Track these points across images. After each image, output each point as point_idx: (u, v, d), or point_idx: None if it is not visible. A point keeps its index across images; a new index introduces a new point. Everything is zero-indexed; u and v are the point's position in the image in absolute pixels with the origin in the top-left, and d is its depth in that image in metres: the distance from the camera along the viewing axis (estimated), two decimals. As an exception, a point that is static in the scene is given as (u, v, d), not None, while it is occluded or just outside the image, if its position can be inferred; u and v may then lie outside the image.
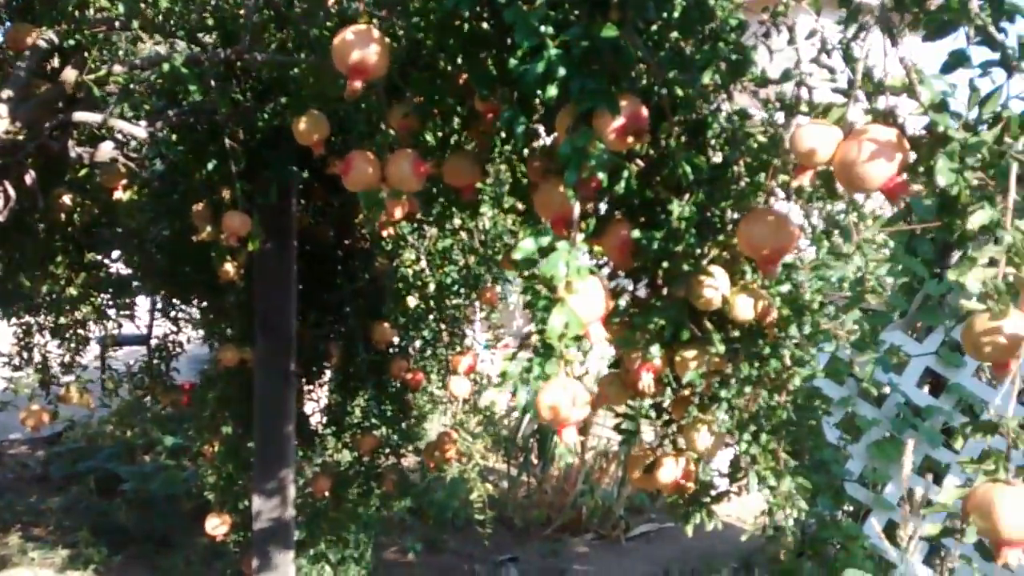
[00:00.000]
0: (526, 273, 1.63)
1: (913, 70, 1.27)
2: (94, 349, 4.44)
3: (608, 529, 7.04)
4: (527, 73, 1.45)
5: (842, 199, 1.59)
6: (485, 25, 1.76)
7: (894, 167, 1.27)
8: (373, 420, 3.88)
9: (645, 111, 1.50)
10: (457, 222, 3.78)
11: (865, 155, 1.27)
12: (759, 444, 1.72)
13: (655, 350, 1.67)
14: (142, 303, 4.46)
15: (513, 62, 1.51)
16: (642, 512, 7.27)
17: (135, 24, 2.32)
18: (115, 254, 4.11)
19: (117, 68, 2.42)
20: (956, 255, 3.53)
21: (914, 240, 3.54)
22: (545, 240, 1.47)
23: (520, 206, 2.07)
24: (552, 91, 1.44)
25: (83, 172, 3.03)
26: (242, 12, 2.42)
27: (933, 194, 1.31)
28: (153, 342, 4.48)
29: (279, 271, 3.47)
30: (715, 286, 1.63)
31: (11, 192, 2.59)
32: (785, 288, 1.70)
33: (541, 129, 1.80)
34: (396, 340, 3.95)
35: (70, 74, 2.48)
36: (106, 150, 2.87)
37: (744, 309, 1.67)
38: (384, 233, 3.55)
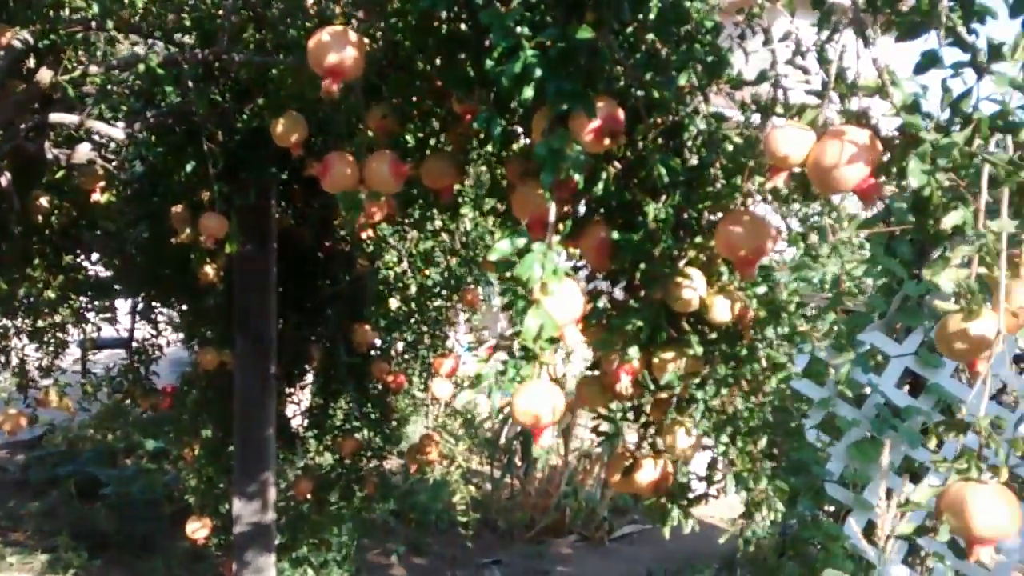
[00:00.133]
0: (504, 275, 1.62)
1: (886, 71, 1.28)
2: (74, 352, 4.41)
3: (592, 531, 7.04)
4: (503, 74, 1.44)
5: (818, 200, 1.60)
6: (463, 27, 1.76)
7: (867, 168, 1.28)
8: (355, 423, 3.87)
9: (621, 113, 1.51)
10: (438, 224, 3.78)
11: (838, 157, 1.27)
12: (736, 446, 1.72)
13: (633, 352, 1.67)
14: (122, 306, 4.43)
15: (490, 63, 1.50)
16: (626, 513, 7.28)
17: (110, 24, 2.30)
18: (94, 256, 4.08)
19: (93, 69, 2.40)
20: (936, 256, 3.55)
21: (893, 241, 3.56)
22: (521, 241, 1.46)
23: (500, 207, 2.07)
24: (528, 92, 1.44)
25: (60, 174, 3.00)
26: (220, 13, 2.40)
27: (906, 195, 1.31)
28: (134, 345, 4.45)
29: (259, 273, 3.45)
30: (692, 288, 1.64)
31: (-13, 194, 2.57)
32: (762, 290, 1.71)
33: (520, 131, 1.80)
34: (378, 342, 3.94)
35: (45, 74, 2.45)
36: (83, 152, 2.84)
37: (721, 311, 1.67)
38: (364, 235, 3.54)
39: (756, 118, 1.61)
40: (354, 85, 1.86)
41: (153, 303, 4.33)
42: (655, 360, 1.71)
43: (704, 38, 1.62)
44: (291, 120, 2.12)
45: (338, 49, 1.68)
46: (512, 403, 1.42)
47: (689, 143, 1.70)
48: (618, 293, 1.82)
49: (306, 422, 4.09)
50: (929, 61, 1.30)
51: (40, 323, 4.09)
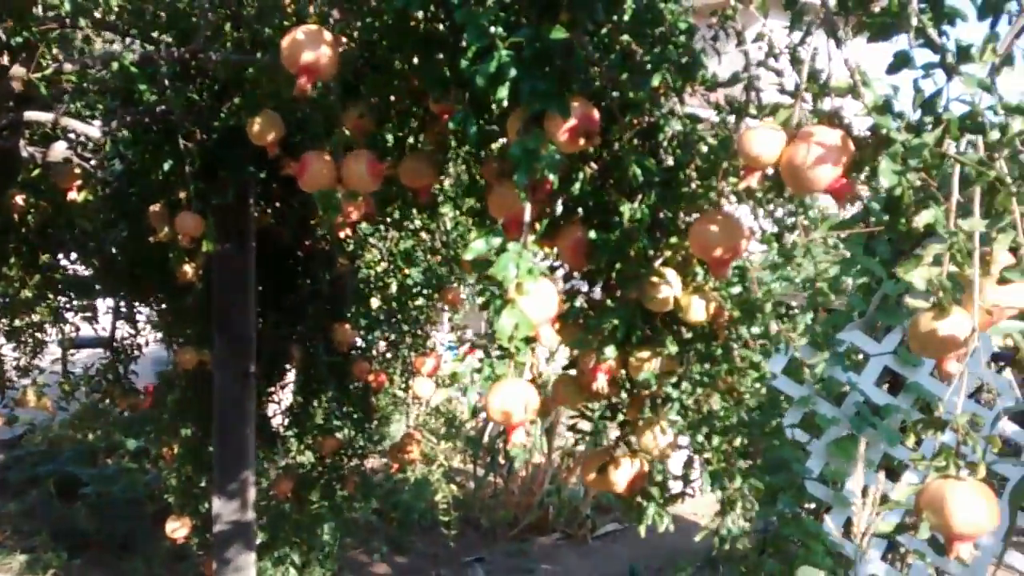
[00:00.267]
0: (481, 274, 1.62)
1: (857, 72, 1.28)
2: (53, 352, 4.37)
3: (575, 528, 7.06)
4: (478, 74, 1.44)
5: (791, 200, 1.60)
6: (440, 27, 1.76)
7: (839, 169, 1.28)
8: (336, 422, 3.86)
9: (596, 113, 1.51)
10: (418, 223, 3.77)
11: (810, 157, 1.28)
12: (711, 445, 1.73)
13: (609, 351, 1.68)
14: (102, 305, 4.40)
15: (464, 63, 1.50)
16: (609, 511, 7.29)
17: (84, 22, 2.28)
18: (73, 255, 4.05)
19: (68, 66, 2.38)
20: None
21: (872, 241, 3.58)
22: (496, 241, 1.46)
23: (479, 207, 2.07)
24: (503, 92, 1.44)
25: (36, 172, 2.98)
26: (196, 11, 2.39)
27: (878, 195, 1.32)
28: (114, 344, 4.42)
29: (238, 272, 3.43)
30: (668, 287, 1.64)
31: (-40, 193, 2.54)
32: (736, 290, 1.71)
33: (498, 130, 1.80)
34: (358, 341, 3.93)
35: (19, 72, 2.43)
36: (59, 150, 2.82)
37: (696, 310, 1.68)
38: (343, 234, 3.53)
39: (731, 119, 1.61)
40: (331, 84, 1.85)
41: (133, 302, 4.31)
42: (631, 360, 1.71)
43: (678, 40, 1.62)
44: (268, 119, 2.12)
45: (312, 48, 1.68)
46: (486, 401, 1.43)
47: (664, 144, 1.71)
48: (595, 293, 1.82)
49: (287, 421, 4.08)
50: (901, 61, 1.30)
51: (17, 322, 4.06)
